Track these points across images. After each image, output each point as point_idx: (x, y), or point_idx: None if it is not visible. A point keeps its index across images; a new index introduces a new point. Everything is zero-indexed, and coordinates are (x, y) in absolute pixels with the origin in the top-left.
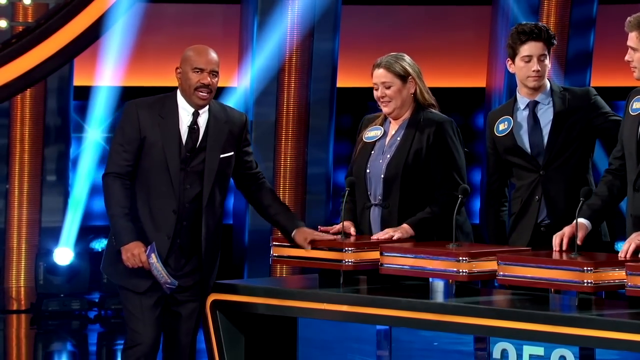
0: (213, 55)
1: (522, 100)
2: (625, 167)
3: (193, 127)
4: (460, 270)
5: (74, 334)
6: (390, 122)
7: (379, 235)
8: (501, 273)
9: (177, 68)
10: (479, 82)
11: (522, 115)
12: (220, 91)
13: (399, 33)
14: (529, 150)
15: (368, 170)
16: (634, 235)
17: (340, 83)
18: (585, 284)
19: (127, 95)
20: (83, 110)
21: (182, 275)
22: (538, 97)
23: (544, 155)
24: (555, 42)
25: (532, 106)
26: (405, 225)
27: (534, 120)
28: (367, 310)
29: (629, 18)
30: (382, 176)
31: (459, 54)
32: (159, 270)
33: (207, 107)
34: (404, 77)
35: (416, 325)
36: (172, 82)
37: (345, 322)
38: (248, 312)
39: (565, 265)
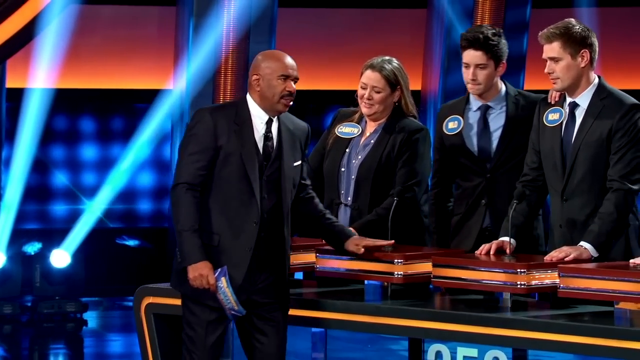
0: (293, 60)
1: (475, 102)
2: (541, 177)
3: (268, 135)
4: (396, 273)
5: (6, 339)
6: (366, 121)
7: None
8: (436, 275)
9: (255, 75)
10: (415, 84)
11: (474, 117)
12: (156, 94)
13: (335, 36)
14: (476, 153)
15: (343, 169)
16: (567, 247)
17: None
18: (518, 286)
19: (61, 98)
20: (16, 112)
21: (256, 291)
22: (490, 102)
23: (492, 159)
24: (497, 51)
25: (484, 110)
26: (350, 229)
27: (484, 124)
28: (303, 313)
29: (544, 31)
30: (353, 177)
31: (395, 56)
32: (228, 295)
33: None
34: (394, 85)
35: (351, 327)
36: (108, 84)
37: None
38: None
39: (498, 267)
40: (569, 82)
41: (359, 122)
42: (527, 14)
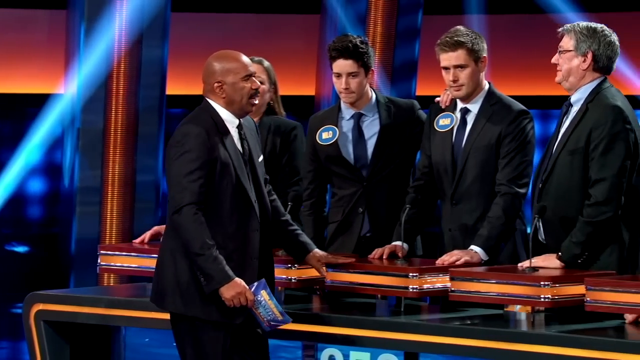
0: (246, 56)
1: (347, 111)
2: (433, 182)
3: (244, 139)
4: (290, 277)
5: None
6: None
7: None
8: (329, 280)
9: (216, 82)
10: (309, 89)
11: (348, 125)
12: (46, 98)
13: (230, 41)
14: (352, 161)
15: None
16: (458, 251)
17: (170, 90)
18: (411, 290)
19: None
20: None
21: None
22: (363, 109)
23: (368, 167)
24: (367, 58)
25: (357, 118)
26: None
27: (358, 132)
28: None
29: (446, 39)
30: None
31: (289, 62)
32: (270, 307)
33: None
34: (272, 81)
35: None
36: None
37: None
38: (74, 322)
39: (391, 271)
40: (472, 88)
41: None
42: (418, 20)
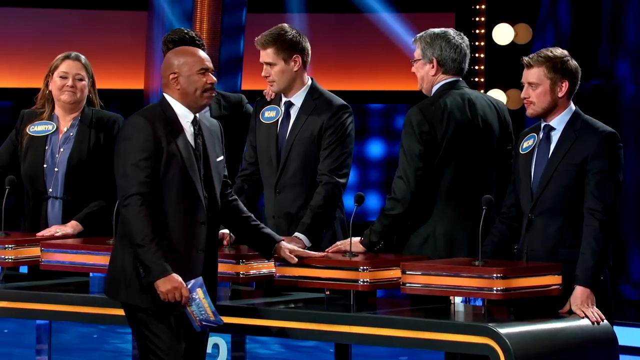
0: (206, 54)
1: None
2: (258, 172)
3: (198, 134)
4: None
5: None
6: (59, 118)
7: (44, 232)
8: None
9: (172, 74)
10: (137, 84)
11: None
12: None
13: (56, 36)
14: None
15: (45, 165)
16: (286, 237)
17: None
18: (241, 276)
19: None
20: None
21: None
22: None
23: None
24: (204, 50)
25: None
26: (72, 222)
27: None
28: (28, 306)
29: (259, 37)
30: (58, 170)
31: (117, 56)
32: (204, 307)
33: None
34: (90, 75)
35: (75, 318)
36: None
37: (4, 318)
38: None
39: (219, 258)
40: (284, 85)
41: (50, 119)
42: (243, 18)
